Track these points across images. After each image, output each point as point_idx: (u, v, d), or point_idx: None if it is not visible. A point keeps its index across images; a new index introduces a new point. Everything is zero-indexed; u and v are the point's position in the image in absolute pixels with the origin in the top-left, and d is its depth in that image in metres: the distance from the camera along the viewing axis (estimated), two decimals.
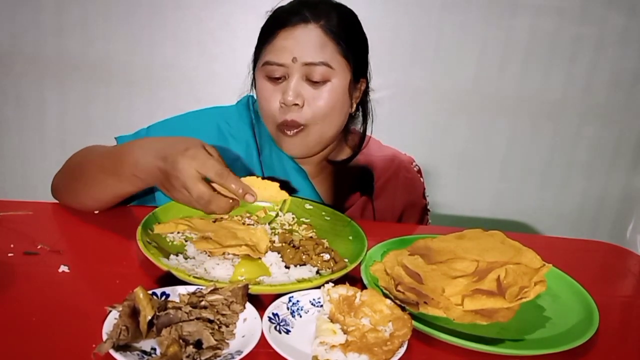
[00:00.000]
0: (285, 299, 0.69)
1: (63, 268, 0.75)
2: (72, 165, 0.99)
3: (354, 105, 1.08)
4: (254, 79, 1.08)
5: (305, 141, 1.03)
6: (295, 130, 1.01)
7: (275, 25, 1.00)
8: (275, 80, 1.00)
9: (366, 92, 1.11)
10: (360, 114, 1.14)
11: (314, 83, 0.99)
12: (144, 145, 0.84)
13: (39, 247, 0.81)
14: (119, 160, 0.86)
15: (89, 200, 0.94)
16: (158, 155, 0.79)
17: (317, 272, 0.79)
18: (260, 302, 0.70)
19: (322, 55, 0.98)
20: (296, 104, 0.98)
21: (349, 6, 1.06)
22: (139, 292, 0.59)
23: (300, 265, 0.80)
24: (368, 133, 1.15)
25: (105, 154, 0.91)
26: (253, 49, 1.07)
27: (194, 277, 0.70)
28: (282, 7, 1.03)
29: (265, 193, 0.82)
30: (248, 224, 0.91)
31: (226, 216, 0.92)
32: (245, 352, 0.58)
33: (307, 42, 0.97)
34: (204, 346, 0.59)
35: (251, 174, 1.08)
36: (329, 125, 1.03)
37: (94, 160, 0.93)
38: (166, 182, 0.79)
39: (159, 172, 0.79)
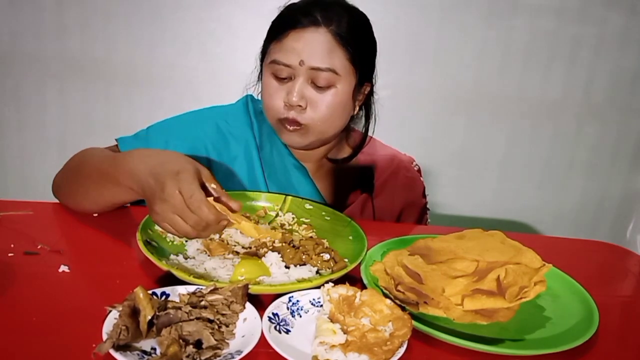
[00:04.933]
0: (285, 298, 0.69)
1: (63, 268, 0.75)
2: (71, 167, 0.99)
3: (357, 108, 1.09)
4: (260, 72, 1.08)
5: (304, 138, 1.04)
6: (295, 127, 1.02)
7: (285, 24, 1.00)
8: (281, 79, 1.01)
9: (370, 94, 1.12)
10: (363, 114, 1.14)
11: (319, 87, 0.99)
12: (141, 158, 0.82)
13: (39, 247, 0.81)
14: (117, 169, 0.84)
15: (87, 204, 0.94)
16: (150, 171, 0.77)
17: (317, 272, 0.79)
18: (260, 302, 0.70)
19: (329, 61, 0.98)
20: (299, 105, 0.99)
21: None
22: (139, 292, 0.59)
23: (300, 265, 0.80)
24: (370, 134, 1.16)
25: (106, 161, 0.89)
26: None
27: (194, 277, 0.70)
28: (294, 4, 1.03)
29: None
30: None
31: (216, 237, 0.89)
32: (245, 352, 0.58)
33: (315, 46, 0.98)
34: (204, 346, 0.59)
35: (253, 176, 1.09)
36: (329, 127, 1.04)
37: (94, 164, 0.92)
38: (151, 199, 0.76)
39: (147, 188, 0.77)
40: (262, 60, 1.07)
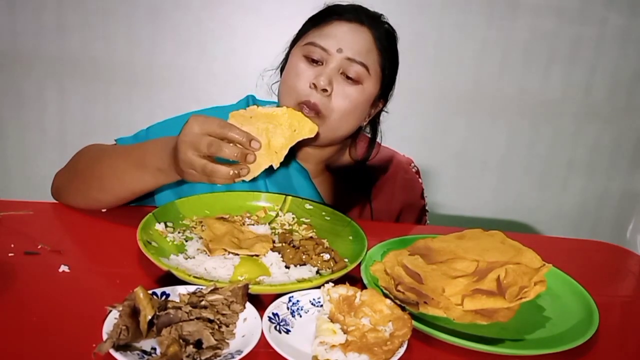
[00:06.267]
0: (285, 298, 0.69)
1: (63, 268, 0.76)
2: (81, 162, 0.99)
3: (367, 120, 1.10)
4: (284, 61, 1.08)
5: None
6: (313, 114, 0.98)
7: (331, 14, 1.03)
8: (311, 61, 1.00)
9: (379, 114, 1.13)
10: (369, 132, 1.15)
11: (347, 79, 0.99)
12: (167, 137, 0.88)
13: (39, 247, 0.81)
14: (144, 153, 0.89)
15: (103, 195, 0.94)
16: (173, 140, 0.83)
17: (317, 272, 0.79)
18: (260, 302, 0.70)
19: (365, 58, 0.99)
20: (325, 90, 0.97)
21: None
22: (139, 292, 0.59)
23: (300, 265, 0.80)
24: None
25: (130, 148, 0.94)
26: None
27: (194, 277, 0.70)
28: (340, 4, 1.05)
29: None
30: (248, 224, 0.91)
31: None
32: (246, 351, 0.58)
33: (356, 40, 1.00)
34: (204, 346, 0.59)
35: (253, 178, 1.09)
36: (343, 125, 1.03)
37: (116, 154, 0.95)
38: (177, 164, 0.82)
39: (173, 156, 0.82)
40: (291, 46, 1.07)
